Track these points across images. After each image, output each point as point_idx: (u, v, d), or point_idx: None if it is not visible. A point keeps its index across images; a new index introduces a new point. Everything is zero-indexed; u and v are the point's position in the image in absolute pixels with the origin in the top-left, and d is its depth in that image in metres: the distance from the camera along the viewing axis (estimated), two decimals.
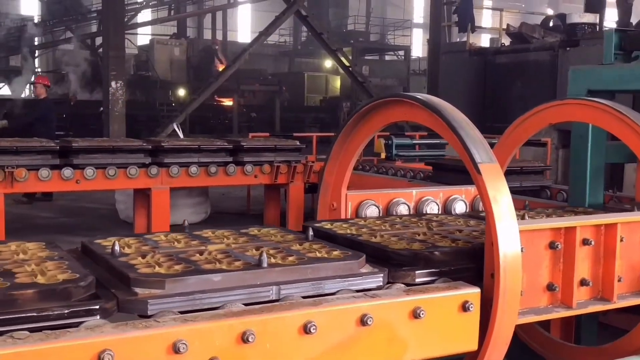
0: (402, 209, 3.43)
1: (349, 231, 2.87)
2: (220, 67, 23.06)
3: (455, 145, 2.51)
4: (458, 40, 20.74)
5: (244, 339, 1.93)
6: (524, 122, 3.49)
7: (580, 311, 2.62)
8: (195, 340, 1.87)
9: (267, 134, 11.35)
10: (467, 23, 17.21)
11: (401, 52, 35.63)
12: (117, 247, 2.33)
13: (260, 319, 1.99)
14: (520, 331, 3.49)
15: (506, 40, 16.81)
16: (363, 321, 2.12)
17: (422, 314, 2.21)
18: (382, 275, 2.35)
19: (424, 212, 3.50)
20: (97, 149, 7.10)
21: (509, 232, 2.32)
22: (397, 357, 2.22)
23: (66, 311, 1.87)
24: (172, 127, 13.44)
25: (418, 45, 44.37)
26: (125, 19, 29.25)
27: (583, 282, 2.64)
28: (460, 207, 3.57)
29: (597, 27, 14.56)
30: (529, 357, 3.48)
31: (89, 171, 6.90)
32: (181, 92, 28.79)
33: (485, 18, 37.48)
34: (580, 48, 13.37)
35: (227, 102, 28.06)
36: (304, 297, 2.16)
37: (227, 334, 1.92)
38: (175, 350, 1.84)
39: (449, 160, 7.62)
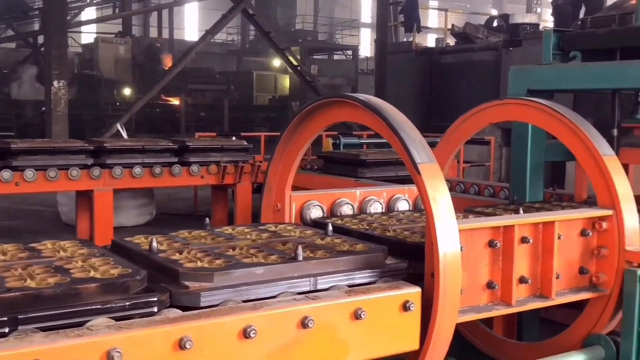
0: (346, 209, 3.43)
1: (361, 226, 3.02)
2: (168, 66, 22.74)
3: (395, 146, 2.52)
4: (405, 40, 20.96)
5: (181, 345, 1.89)
6: (464, 122, 3.52)
7: (520, 309, 2.66)
8: (129, 348, 1.82)
9: (214, 134, 11.24)
10: (413, 23, 17.40)
11: (350, 52, 35.76)
12: (155, 244, 2.44)
13: (198, 324, 1.95)
14: (464, 328, 3.53)
15: (451, 41, 17.06)
16: (304, 324, 2.10)
17: (363, 314, 2.21)
18: (405, 266, 2.50)
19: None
20: (37, 150, 6.92)
21: (449, 231, 2.33)
22: (339, 359, 2.21)
23: (127, 303, 1.97)
24: (116, 128, 13.18)
25: (366, 45, 44.66)
26: (69, 17, 28.68)
27: (522, 280, 2.68)
28: (403, 206, 3.59)
29: (540, 27, 14.90)
30: (472, 355, 3.52)
31: (28, 173, 6.72)
32: (127, 91, 28.32)
33: (432, 18, 37.95)
34: (523, 48, 13.65)
35: (175, 101, 27.72)
36: (349, 286, 2.33)
37: (164, 341, 1.88)
38: (109, 359, 1.78)
39: (336, 153, 8.24)
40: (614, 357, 2.88)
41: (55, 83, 13.63)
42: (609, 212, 2.84)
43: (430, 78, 16.45)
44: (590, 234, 2.87)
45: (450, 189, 7.06)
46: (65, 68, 14.48)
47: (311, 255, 2.45)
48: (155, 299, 2.03)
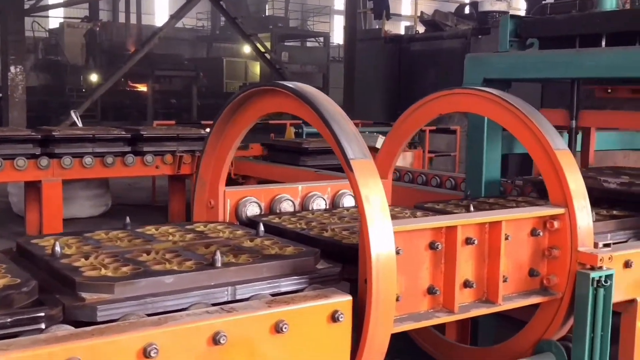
0: (286, 206, 3.20)
1: (298, 225, 2.81)
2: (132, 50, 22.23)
3: (328, 139, 2.30)
4: (377, 27, 20.72)
5: None
6: (414, 112, 3.31)
7: (463, 316, 2.46)
8: None
9: (173, 122, 10.92)
10: (382, 10, 17.18)
11: (321, 39, 35.41)
12: (57, 248, 2.20)
13: (89, 344, 1.71)
14: (413, 332, 3.34)
15: (421, 28, 16.87)
16: (215, 340, 1.88)
17: (285, 328, 1.99)
18: (338, 270, 2.28)
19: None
20: None
21: (383, 233, 2.12)
22: None
23: (9, 320, 1.74)
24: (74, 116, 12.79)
25: (339, 32, 44.32)
26: (34, 1, 27.96)
27: (466, 284, 2.48)
28: (349, 202, 3.37)
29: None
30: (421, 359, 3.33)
31: None
32: (94, 77, 27.71)
33: (405, 5, 37.77)
34: (492, 36, 13.51)
35: (142, 88, 27.19)
36: (272, 295, 2.11)
37: None
38: None
39: (278, 141, 8.29)
40: None
41: (12, 69, 13.20)
42: (561, 211, 2.65)
43: (400, 66, 16.27)
44: (541, 233, 2.68)
45: (412, 181, 6.94)
46: (23, 54, 14.04)
47: (233, 260, 2.23)
48: (43, 314, 1.78)
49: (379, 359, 2.22)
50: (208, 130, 8.14)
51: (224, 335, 1.88)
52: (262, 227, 2.62)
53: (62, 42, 28.73)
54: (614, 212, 3.30)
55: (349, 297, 2.14)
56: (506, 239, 2.54)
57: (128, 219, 2.68)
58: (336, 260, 2.41)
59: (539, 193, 3.86)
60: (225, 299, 2.05)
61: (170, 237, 2.54)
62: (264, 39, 22.63)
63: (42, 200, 6.98)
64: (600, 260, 2.58)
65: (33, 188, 7.27)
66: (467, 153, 4.06)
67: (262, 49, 17.72)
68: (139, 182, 11.30)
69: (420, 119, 3.30)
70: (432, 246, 2.41)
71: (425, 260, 2.42)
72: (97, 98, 18.56)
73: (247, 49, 31.08)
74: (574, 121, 3.88)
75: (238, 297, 2.07)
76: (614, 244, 2.92)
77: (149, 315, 1.91)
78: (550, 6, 4.32)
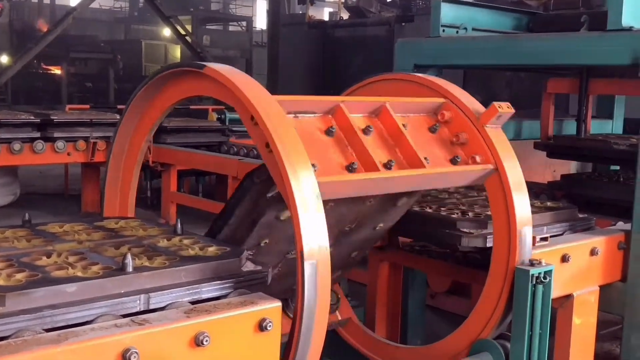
0: None
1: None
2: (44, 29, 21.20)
3: None
4: (301, 12, 20.47)
5: None
6: None
7: (391, 173, 2.28)
8: None
9: (87, 106, 10.39)
10: None
11: (244, 23, 34.89)
12: None
13: None
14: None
15: (345, 14, 16.73)
16: (125, 358, 1.65)
17: (206, 340, 1.77)
18: (267, 273, 2.10)
19: None
20: None
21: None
22: None
23: None
24: None
25: (262, 17, 43.78)
26: None
27: (387, 165, 2.29)
28: None
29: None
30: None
31: None
32: (3, 59, 26.35)
33: None
34: (415, 24, 13.48)
35: (56, 70, 26.06)
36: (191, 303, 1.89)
37: None
38: None
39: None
40: None
41: None
42: (442, 100, 2.62)
43: (324, 52, 16.07)
44: (439, 126, 2.60)
45: None
46: None
47: (147, 263, 1.98)
48: None
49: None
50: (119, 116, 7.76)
51: (135, 352, 1.65)
52: (180, 224, 2.38)
53: None
54: (549, 204, 3.22)
55: (278, 303, 1.94)
56: (404, 127, 2.45)
57: (27, 215, 2.39)
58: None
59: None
60: (137, 309, 1.82)
61: (76, 236, 2.27)
62: (185, 22, 22.00)
63: None
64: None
65: None
66: None
67: (183, 32, 17.17)
68: (51, 169, 10.70)
69: None
70: (328, 132, 2.27)
71: (329, 146, 2.25)
72: (8, 81, 17.65)
73: (167, 31, 30.19)
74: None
75: (152, 307, 1.84)
76: (550, 237, 2.84)
77: (47, 330, 1.66)
78: None
